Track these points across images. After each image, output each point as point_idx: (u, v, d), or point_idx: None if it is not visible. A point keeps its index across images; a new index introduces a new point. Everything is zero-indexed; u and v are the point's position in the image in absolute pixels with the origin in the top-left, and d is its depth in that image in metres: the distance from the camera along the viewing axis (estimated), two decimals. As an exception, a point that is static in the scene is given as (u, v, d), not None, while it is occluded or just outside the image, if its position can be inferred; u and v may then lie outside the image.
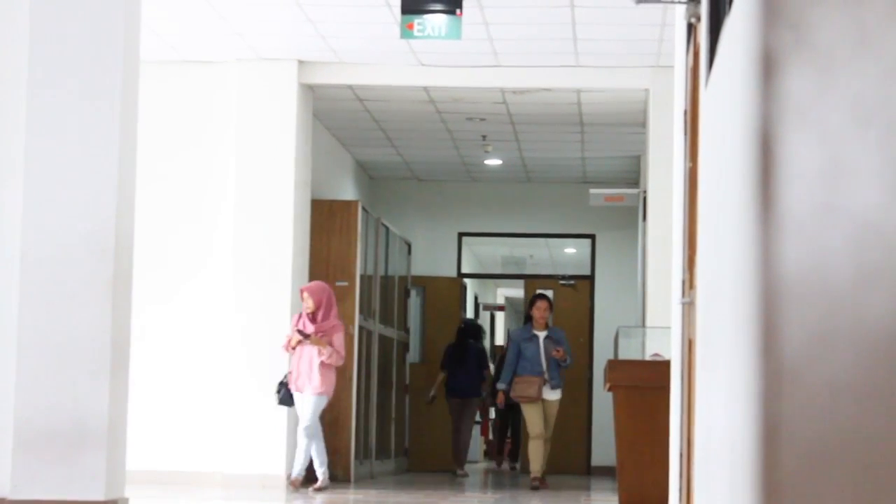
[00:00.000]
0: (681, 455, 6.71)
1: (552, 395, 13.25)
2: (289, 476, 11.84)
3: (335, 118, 14.12)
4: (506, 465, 18.56)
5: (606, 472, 16.31)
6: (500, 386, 13.53)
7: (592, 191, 15.31)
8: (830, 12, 2.03)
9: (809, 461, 2.15)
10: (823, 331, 1.99)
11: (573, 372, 17.51)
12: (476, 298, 23.25)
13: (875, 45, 1.69)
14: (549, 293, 17.97)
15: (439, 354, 16.95)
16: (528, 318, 13.70)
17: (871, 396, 1.61)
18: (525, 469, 17.02)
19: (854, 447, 1.73)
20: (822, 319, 2.01)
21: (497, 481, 15.66)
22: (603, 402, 15.96)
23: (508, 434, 18.45)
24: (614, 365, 10.47)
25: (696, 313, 5.76)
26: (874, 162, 1.66)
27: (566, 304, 17.73)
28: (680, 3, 6.97)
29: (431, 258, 17.57)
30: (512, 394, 13.21)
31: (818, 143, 2.12)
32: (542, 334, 13.37)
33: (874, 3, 1.69)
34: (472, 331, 16.61)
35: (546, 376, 13.18)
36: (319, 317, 11.51)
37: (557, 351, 13.19)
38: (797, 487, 2.31)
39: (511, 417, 17.59)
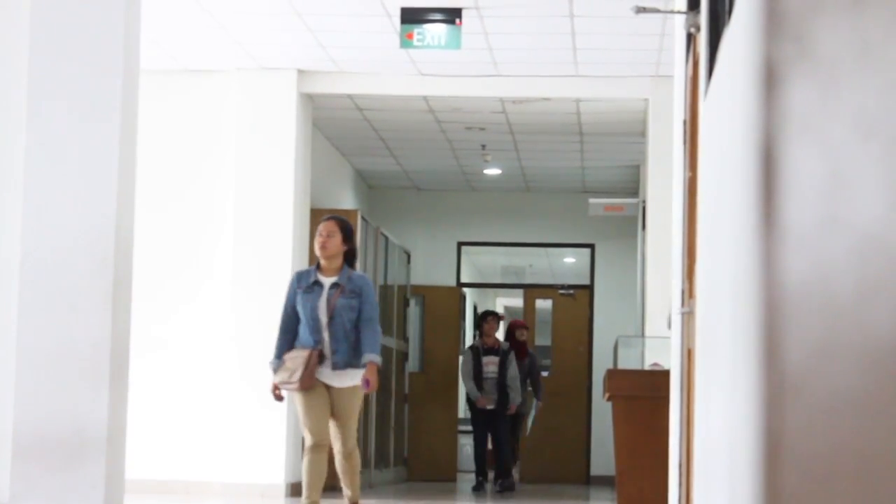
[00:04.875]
0: (680, 465, 6.70)
1: (339, 381, 8.38)
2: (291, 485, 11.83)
3: (335, 127, 14.13)
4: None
5: (605, 481, 16.29)
6: (269, 363, 8.51)
7: (592, 200, 15.32)
8: (832, 24, 2.03)
9: (811, 473, 2.14)
10: (826, 342, 1.99)
11: (572, 381, 17.53)
12: (475, 308, 23.25)
13: (877, 56, 1.69)
14: (546, 301, 18.01)
15: (439, 364, 16.92)
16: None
17: (875, 409, 1.61)
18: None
19: (857, 460, 1.72)
20: (824, 331, 2.01)
21: (490, 494, 15.63)
22: (602, 411, 15.95)
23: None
24: (613, 374, 10.47)
25: (695, 323, 5.75)
26: (876, 174, 1.66)
27: (565, 313, 17.73)
28: (679, 13, 6.98)
29: (431, 267, 17.56)
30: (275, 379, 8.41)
31: (820, 154, 2.12)
32: (328, 281, 8.46)
33: (876, 15, 1.69)
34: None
35: (326, 349, 8.37)
36: None
37: (365, 382, 8.31)
38: (798, 499, 2.30)
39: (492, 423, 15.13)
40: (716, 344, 4.39)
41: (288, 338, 8.45)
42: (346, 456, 8.39)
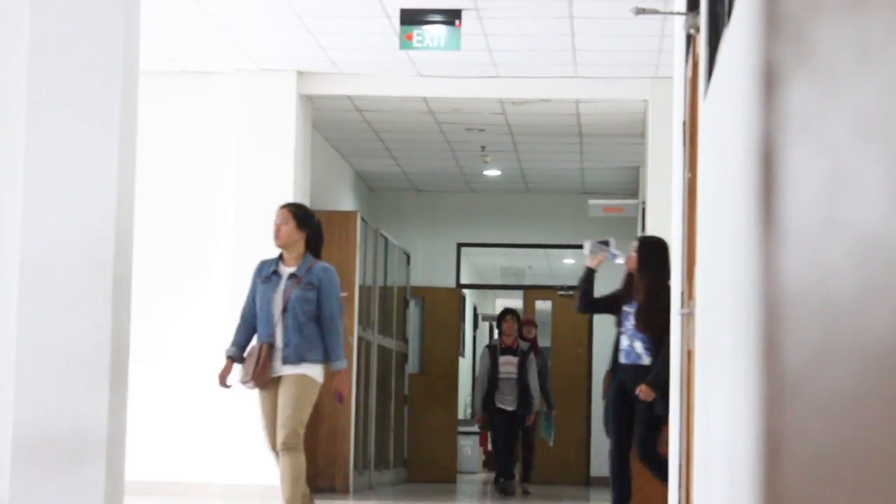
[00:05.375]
0: (680, 465, 6.70)
1: (290, 370, 7.89)
2: None
3: (334, 129, 14.13)
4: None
5: (606, 482, 16.27)
6: (225, 351, 8.19)
7: (591, 201, 15.32)
8: (832, 24, 2.03)
9: (811, 473, 2.14)
10: (825, 343, 1.99)
11: (572, 382, 17.51)
12: (475, 309, 23.24)
13: (877, 56, 1.69)
14: (546, 302, 18.00)
15: (438, 365, 16.91)
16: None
17: (875, 409, 1.61)
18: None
19: (857, 460, 1.72)
20: (824, 331, 2.01)
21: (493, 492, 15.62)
22: (602, 412, 15.93)
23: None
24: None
25: (695, 324, 5.76)
26: (876, 174, 1.66)
27: (565, 314, 17.72)
28: (679, 14, 6.98)
29: (430, 269, 17.56)
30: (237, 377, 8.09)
31: (819, 155, 2.12)
32: (287, 271, 8.04)
33: (876, 15, 1.69)
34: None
35: (278, 342, 7.93)
36: None
37: (338, 395, 8.01)
38: (798, 500, 2.30)
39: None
40: (716, 344, 4.39)
41: (246, 328, 8.04)
42: (287, 450, 7.74)
